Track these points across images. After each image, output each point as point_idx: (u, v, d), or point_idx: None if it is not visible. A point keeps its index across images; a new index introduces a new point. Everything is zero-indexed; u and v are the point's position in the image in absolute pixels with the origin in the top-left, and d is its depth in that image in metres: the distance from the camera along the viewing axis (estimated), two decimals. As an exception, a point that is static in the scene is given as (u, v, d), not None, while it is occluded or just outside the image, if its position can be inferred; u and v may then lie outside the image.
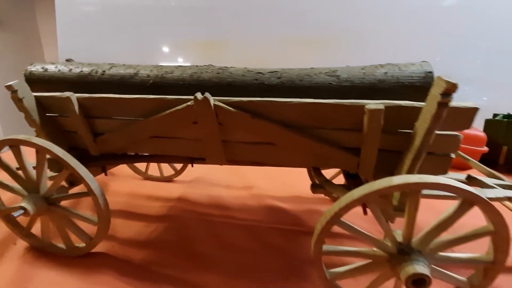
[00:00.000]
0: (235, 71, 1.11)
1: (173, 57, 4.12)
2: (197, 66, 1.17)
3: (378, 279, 0.89)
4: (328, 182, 1.09)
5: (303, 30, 3.53)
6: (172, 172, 2.01)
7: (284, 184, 1.98)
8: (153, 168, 2.04)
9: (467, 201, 0.75)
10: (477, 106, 0.80)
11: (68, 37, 4.13)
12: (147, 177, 2.06)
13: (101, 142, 1.16)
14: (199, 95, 0.92)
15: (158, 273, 1.13)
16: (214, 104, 0.94)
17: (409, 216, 0.79)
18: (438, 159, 0.91)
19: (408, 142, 0.85)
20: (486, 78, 3.15)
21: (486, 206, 0.74)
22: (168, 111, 0.99)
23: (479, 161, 2.59)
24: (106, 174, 1.45)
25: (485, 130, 2.54)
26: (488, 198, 0.97)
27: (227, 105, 0.94)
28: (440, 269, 0.85)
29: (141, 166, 2.04)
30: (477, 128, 2.53)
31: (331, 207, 0.82)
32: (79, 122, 1.10)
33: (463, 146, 2.38)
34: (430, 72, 0.97)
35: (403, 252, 0.81)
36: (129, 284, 1.07)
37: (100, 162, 1.35)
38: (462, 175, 1.20)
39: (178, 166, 1.99)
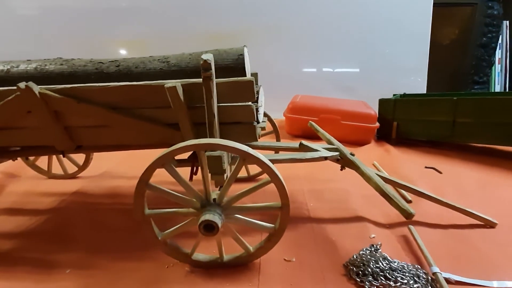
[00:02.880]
0: (78, 62, 1.20)
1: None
2: (44, 59, 1.24)
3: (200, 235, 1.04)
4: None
5: (220, 25, 3.69)
6: (76, 168, 2.04)
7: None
8: (58, 167, 2.05)
9: (241, 158, 0.91)
10: (251, 79, 0.96)
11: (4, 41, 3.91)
12: (51, 176, 2.06)
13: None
14: (21, 85, 0.99)
15: (19, 258, 1.19)
16: (40, 92, 1.02)
17: (202, 174, 0.94)
18: (243, 127, 1.07)
19: (208, 114, 1.00)
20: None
21: (255, 160, 0.90)
22: (1, 102, 1.05)
23: (377, 136, 2.92)
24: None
25: (379, 108, 2.86)
26: (306, 158, 1.17)
27: (53, 92, 1.02)
28: (246, 218, 1.01)
29: (44, 165, 2.04)
30: (372, 108, 2.83)
31: (141, 175, 0.95)
32: None
33: (357, 124, 2.67)
34: (241, 55, 1.13)
35: (203, 205, 0.96)
36: (-16, 270, 1.12)
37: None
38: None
39: (80, 161, 2.02)
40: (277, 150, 1.34)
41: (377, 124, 2.70)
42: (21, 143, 1.20)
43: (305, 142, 1.32)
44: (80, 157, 2.04)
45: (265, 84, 1.48)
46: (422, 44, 3.83)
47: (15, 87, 1.02)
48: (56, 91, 1.02)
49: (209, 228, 0.92)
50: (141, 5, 3.86)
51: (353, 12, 3.81)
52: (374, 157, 2.41)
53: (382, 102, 2.85)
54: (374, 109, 2.78)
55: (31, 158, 2.00)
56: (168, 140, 1.14)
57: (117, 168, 2.19)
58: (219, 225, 0.92)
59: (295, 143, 1.36)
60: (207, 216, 0.91)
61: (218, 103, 1.00)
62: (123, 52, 4.09)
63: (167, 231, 1.04)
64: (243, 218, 1.01)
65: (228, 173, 1.06)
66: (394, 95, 3.12)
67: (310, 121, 1.63)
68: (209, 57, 0.85)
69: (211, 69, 0.86)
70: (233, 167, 0.96)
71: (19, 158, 1.85)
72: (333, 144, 1.40)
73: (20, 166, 2.10)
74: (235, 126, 1.07)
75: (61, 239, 1.31)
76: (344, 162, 1.31)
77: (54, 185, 1.93)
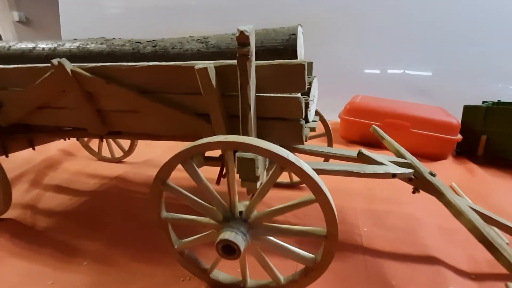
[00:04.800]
0: (117, 42, 1.12)
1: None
2: (88, 38, 1.19)
3: (220, 250, 0.85)
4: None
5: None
6: (121, 153, 2.07)
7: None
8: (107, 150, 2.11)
9: (278, 165, 0.69)
10: (302, 62, 0.72)
11: (72, 32, 4.40)
12: (100, 158, 2.14)
13: (3, 113, 1.23)
14: (54, 61, 0.94)
15: (49, 237, 1.18)
16: (72, 70, 0.95)
17: (228, 180, 0.74)
18: (287, 125, 0.84)
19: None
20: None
21: (297, 169, 0.67)
22: (39, 80, 1.02)
23: (457, 151, 2.37)
24: (33, 149, 1.53)
25: (464, 117, 2.30)
26: (367, 174, 0.90)
27: (84, 71, 0.95)
28: (278, 242, 0.79)
29: (95, 147, 2.12)
30: (453, 115, 2.30)
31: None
32: None
33: (432, 134, 2.18)
34: (294, 34, 0.90)
35: (226, 219, 0.77)
36: (16, 245, 1.13)
37: (19, 135, 1.43)
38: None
39: (126, 146, 2.05)
40: (327, 157, 1.08)
41: (459, 136, 2.17)
42: (57, 123, 1.18)
43: (365, 151, 1.03)
44: (126, 143, 2.07)
45: (320, 78, 1.21)
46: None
47: (49, 65, 0.98)
48: (86, 69, 0.94)
49: (229, 250, 0.72)
50: (207, 3, 3.86)
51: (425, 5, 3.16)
52: (453, 177, 1.92)
53: (469, 110, 2.28)
54: (456, 118, 2.25)
55: (85, 139, 2.10)
56: (197, 133, 0.98)
57: (161, 157, 2.16)
58: (242, 248, 0.71)
59: (353, 151, 1.07)
60: (227, 235, 0.71)
61: (257, 92, 0.79)
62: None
63: (185, 240, 0.89)
64: (275, 242, 0.79)
65: (262, 180, 0.85)
66: (483, 102, 2.50)
67: (374, 126, 1.31)
68: (248, 28, 0.65)
69: (249, 45, 0.65)
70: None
71: (74, 139, 1.95)
72: (404, 157, 1.07)
73: (78, 146, 2.23)
74: (277, 123, 0.85)
75: (90, 224, 1.28)
76: (420, 183, 0.98)
77: (101, 168, 1.99)
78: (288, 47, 0.89)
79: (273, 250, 0.80)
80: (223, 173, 0.97)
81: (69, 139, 1.81)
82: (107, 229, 1.24)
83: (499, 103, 2.39)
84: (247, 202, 0.81)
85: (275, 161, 0.68)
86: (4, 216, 1.31)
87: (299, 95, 0.78)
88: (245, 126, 0.78)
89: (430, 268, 1.03)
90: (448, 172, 2.01)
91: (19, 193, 1.55)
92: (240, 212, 0.78)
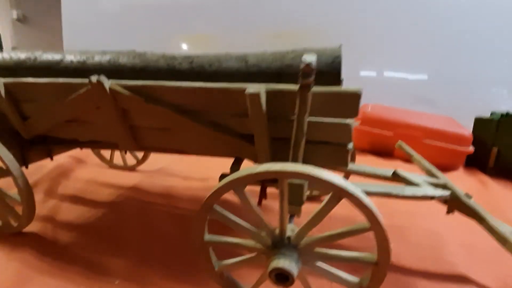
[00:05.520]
0: (151, 56, 1.10)
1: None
2: (118, 51, 1.17)
3: (263, 274, 0.85)
4: (235, 172, 1.05)
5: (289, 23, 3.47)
6: (135, 161, 2.05)
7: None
8: (119, 158, 2.08)
9: (335, 194, 0.69)
10: (358, 91, 0.73)
11: (73, 31, 4.31)
12: (112, 165, 2.11)
13: (29, 125, 1.20)
14: (93, 78, 0.92)
15: (75, 254, 1.15)
16: (110, 88, 0.93)
17: (281, 207, 0.74)
18: (333, 149, 0.84)
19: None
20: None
21: (355, 199, 0.67)
22: (73, 95, 1.00)
23: (467, 163, 2.41)
24: (51, 159, 1.50)
25: (474, 129, 2.34)
26: (404, 196, 0.91)
27: (123, 88, 0.93)
28: (326, 267, 0.79)
29: (108, 155, 2.09)
30: (465, 127, 2.33)
31: (206, 195, 0.79)
32: (5, 105, 1.14)
33: (445, 145, 2.22)
34: (338, 57, 0.90)
35: (276, 245, 0.77)
36: (42, 261, 1.10)
37: (41, 146, 1.40)
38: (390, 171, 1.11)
39: (140, 155, 2.02)
40: (351, 174, 1.08)
41: (472, 148, 2.21)
42: (86, 137, 1.16)
43: (400, 171, 1.04)
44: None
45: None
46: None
47: (87, 81, 0.96)
48: (126, 87, 0.93)
49: (282, 278, 0.71)
50: (207, 2, 3.84)
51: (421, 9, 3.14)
52: (464, 189, 1.94)
53: (480, 122, 2.32)
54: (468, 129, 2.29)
55: (98, 146, 2.07)
56: (237, 153, 0.98)
57: (173, 165, 2.15)
58: (295, 276, 0.71)
59: (386, 170, 1.08)
60: (282, 263, 0.71)
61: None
62: (184, 47, 4.15)
63: (226, 262, 0.88)
64: (323, 267, 0.79)
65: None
66: (492, 113, 2.55)
67: (400, 142, 1.32)
68: (312, 59, 0.64)
69: (312, 76, 0.65)
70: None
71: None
72: (437, 177, 1.09)
73: (88, 152, 2.19)
74: (323, 147, 0.85)
75: (114, 240, 1.25)
76: (457, 205, 0.99)
77: (114, 176, 1.96)
78: (332, 70, 0.89)
79: (319, 274, 0.80)
80: (264, 195, 0.96)
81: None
82: (131, 245, 1.22)
83: (508, 115, 2.43)
84: (292, 226, 0.81)
85: (333, 190, 0.68)
86: (25, 229, 1.28)
87: (350, 121, 0.78)
88: (296, 152, 0.77)
89: (460, 286, 1.04)
90: (459, 184, 2.02)
91: (36, 204, 1.51)
92: (288, 237, 0.78)
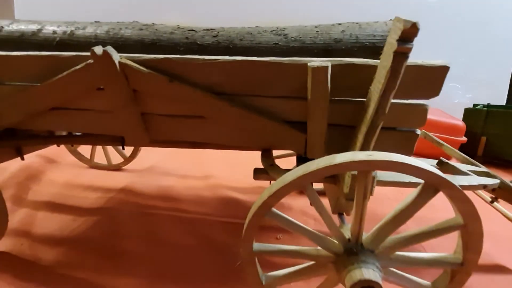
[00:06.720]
0: (162, 28, 0.90)
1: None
2: (118, 22, 0.95)
3: (325, 284, 0.71)
4: (274, 166, 0.90)
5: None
6: (121, 159, 1.78)
7: (247, 174, 1.78)
8: (101, 156, 1.80)
9: (431, 186, 0.57)
10: (447, 65, 0.62)
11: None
12: (93, 165, 1.81)
13: (-6, 115, 0.92)
14: (98, 49, 0.70)
15: (65, 276, 0.92)
16: (120, 63, 0.72)
17: (358, 206, 0.61)
18: (401, 136, 0.73)
19: (362, 112, 0.67)
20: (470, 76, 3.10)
21: (454, 192, 0.57)
22: (64, 73, 0.77)
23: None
24: (22, 158, 1.21)
25: (464, 120, 2.43)
26: (461, 186, 0.82)
27: (138, 64, 0.73)
28: (399, 272, 0.68)
29: (86, 153, 1.79)
30: (456, 117, 2.41)
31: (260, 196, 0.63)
32: None
33: (440, 135, 2.26)
34: (394, 30, 0.78)
35: (351, 252, 0.64)
36: (23, 291, 0.85)
37: (8, 142, 1.11)
38: (433, 161, 1.04)
39: (127, 152, 1.76)
40: None
41: (465, 138, 2.28)
42: (78, 129, 0.92)
43: (446, 160, 0.96)
44: (127, 147, 1.78)
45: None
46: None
47: (86, 53, 0.73)
48: (142, 62, 0.73)
49: (367, 291, 0.59)
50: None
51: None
52: (461, 177, 2.00)
53: (469, 113, 2.41)
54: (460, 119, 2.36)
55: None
56: (281, 144, 0.82)
57: (166, 163, 1.91)
58: (381, 286, 0.59)
59: (429, 160, 1.01)
60: (368, 274, 0.58)
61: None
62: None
63: (275, 273, 0.73)
64: (399, 273, 0.68)
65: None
66: (475, 105, 2.67)
67: (423, 131, 1.27)
68: (414, 20, 0.52)
69: (413, 42, 0.52)
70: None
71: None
72: (477, 165, 1.04)
73: (59, 150, 1.86)
74: (391, 134, 0.73)
75: (113, 253, 1.03)
76: (503, 194, 0.94)
77: (97, 177, 1.68)
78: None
79: (393, 281, 0.69)
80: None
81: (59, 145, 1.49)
82: (136, 258, 1.01)
83: (488, 106, 2.56)
84: (348, 227, 0.69)
85: (427, 181, 0.56)
86: (-7, 249, 1.01)
87: (427, 102, 0.68)
88: (369, 140, 0.65)
89: (503, 278, 1.01)
90: (456, 173, 2.10)
91: (1, 216, 1.22)
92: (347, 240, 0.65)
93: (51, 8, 3.56)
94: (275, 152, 0.96)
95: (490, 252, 1.14)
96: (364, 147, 0.66)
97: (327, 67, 0.62)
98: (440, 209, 1.23)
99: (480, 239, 0.61)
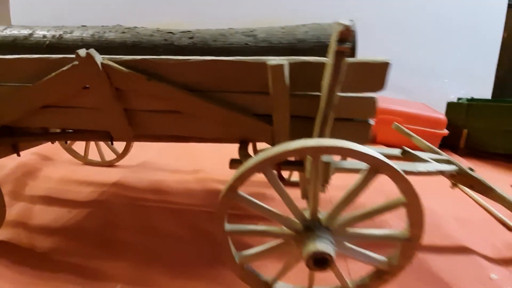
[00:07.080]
0: (143, 31, 0.98)
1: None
2: (102, 26, 1.02)
3: (289, 260, 0.80)
4: (247, 156, 0.98)
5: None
6: (114, 156, 1.86)
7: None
8: (95, 153, 1.88)
9: (373, 168, 0.65)
10: (388, 61, 0.70)
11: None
12: (87, 162, 1.90)
13: (-9, 114, 1.00)
14: (82, 52, 0.78)
15: (60, 262, 1.00)
16: (103, 63, 0.80)
17: (312, 187, 0.69)
18: (356, 126, 0.81)
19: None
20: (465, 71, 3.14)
21: (394, 173, 0.65)
22: (53, 74, 0.84)
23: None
24: (18, 155, 1.29)
25: (446, 113, 2.51)
26: (419, 172, 0.91)
27: (118, 64, 0.80)
28: (355, 248, 0.76)
29: (81, 150, 1.87)
30: (439, 111, 2.49)
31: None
32: None
33: (423, 129, 2.34)
34: (353, 31, 0.86)
35: (309, 228, 0.72)
36: (20, 273, 0.93)
37: (5, 140, 1.19)
38: (398, 150, 1.12)
39: (120, 149, 1.84)
40: None
41: (446, 131, 2.36)
42: (69, 125, 1.00)
43: (408, 149, 1.05)
44: (119, 144, 1.86)
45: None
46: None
47: (72, 56, 0.81)
48: (122, 62, 0.80)
49: (322, 262, 0.67)
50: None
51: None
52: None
53: (452, 106, 2.50)
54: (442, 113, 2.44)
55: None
56: (251, 136, 0.91)
57: (158, 159, 1.99)
58: (334, 258, 0.67)
59: (396, 150, 1.09)
60: (320, 246, 0.66)
61: (333, 91, 0.74)
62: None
63: (247, 252, 0.81)
64: (353, 247, 0.76)
65: None
66: (459, 99, 2.75)
67: (396, 123, 1.35)
68: (350, 22, 0.60)
69: (349, 41, 0.60)
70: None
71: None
72: (439, 154, 1.12)
73: (55, 148, 1.94)
74: (344, 124, 0.81)
75: (106, 241, 1.11)
76: (461, 179, 1.03)
77: (91, 173, 1.76)
78: (348, 44, 0.85)
79: (349, 255, 0.77)
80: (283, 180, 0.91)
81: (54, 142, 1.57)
82: (128, 246, 1.09)
83: (472, 99, 2.64)
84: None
85: (370, 164, 0.64)
86: (-7, 238, 1.09)
87: (374, 94, 0.76)
88: (323, 129, 0.73)
89: (467, 258, 1.09)
90: (438, 164, 2.18)
91: (0, 209, 1.30)
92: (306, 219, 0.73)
93: (45, 13, 3.63)
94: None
95: (455, 234, 1.23)
96: (320, 136, 0.74)
97: (283, 65, 0.69)
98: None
99: (421, 215, 0.69)
